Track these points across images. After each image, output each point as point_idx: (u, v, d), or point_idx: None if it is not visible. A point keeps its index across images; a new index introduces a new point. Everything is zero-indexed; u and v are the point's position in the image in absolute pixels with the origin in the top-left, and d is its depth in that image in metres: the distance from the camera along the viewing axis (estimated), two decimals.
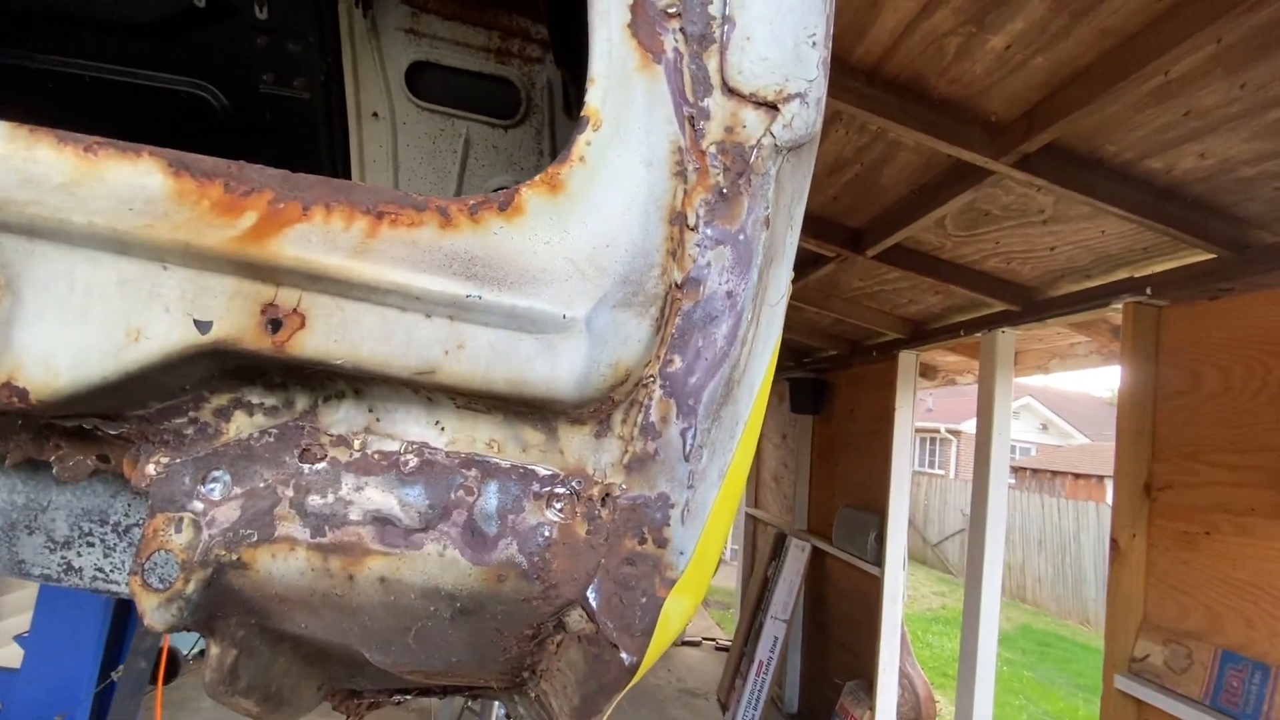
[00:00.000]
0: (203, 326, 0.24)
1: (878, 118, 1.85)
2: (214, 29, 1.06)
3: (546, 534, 0.26)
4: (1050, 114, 1.72)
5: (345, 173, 1.15)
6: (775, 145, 0.29)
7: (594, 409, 0.27)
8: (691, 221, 0.28)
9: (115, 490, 0.32)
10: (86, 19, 1.02)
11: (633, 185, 0.27)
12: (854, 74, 1.83)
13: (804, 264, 3.44)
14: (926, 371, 4.63)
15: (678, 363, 0.27)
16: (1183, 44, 1.36)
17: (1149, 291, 2.33)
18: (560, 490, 0.27)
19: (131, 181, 0.23)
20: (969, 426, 16.67)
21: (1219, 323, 2.15)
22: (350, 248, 0.25)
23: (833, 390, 5.11)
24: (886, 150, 2.22)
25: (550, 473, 0.27)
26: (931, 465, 20.36)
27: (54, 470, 0.27)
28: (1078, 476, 16.20)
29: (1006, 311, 3.06)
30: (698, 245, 0.28)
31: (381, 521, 0.26)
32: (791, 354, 5.65)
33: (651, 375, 0.27)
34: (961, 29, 1.60)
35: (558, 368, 0.25)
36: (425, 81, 1.10)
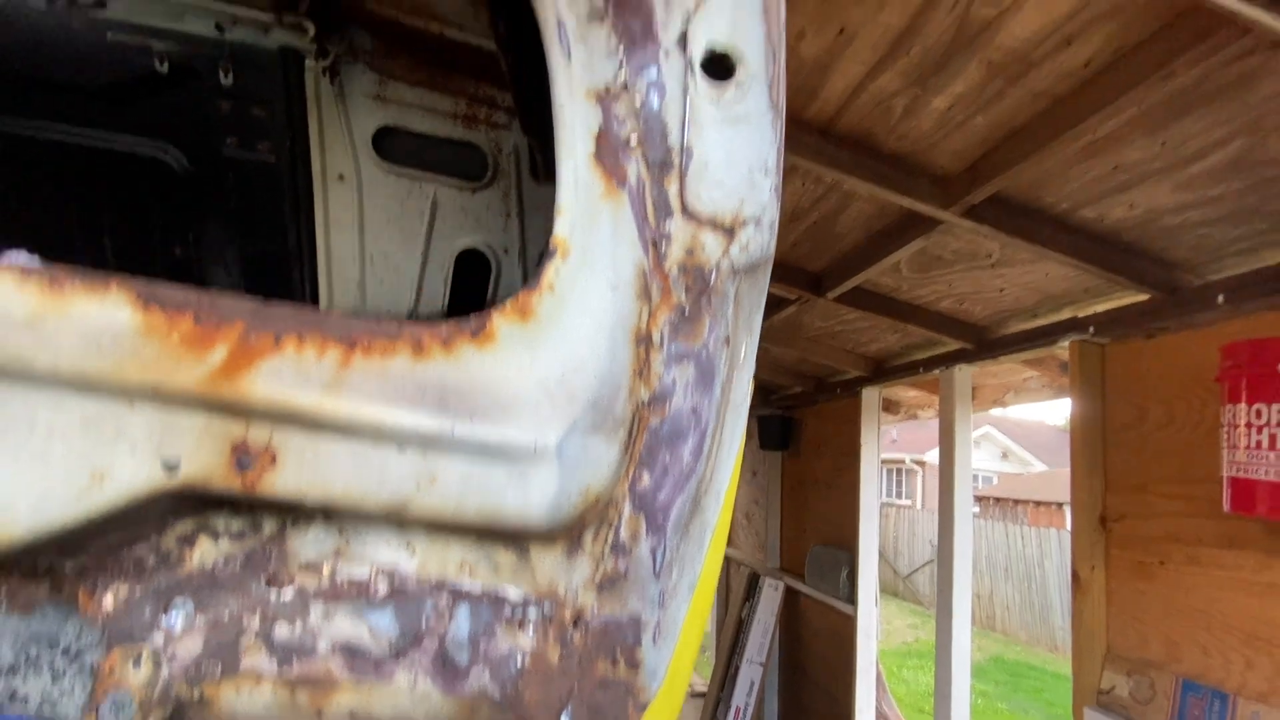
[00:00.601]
0: (170, 467, 0.24)
1: (832, 170, 1.93)
2: (177, 93, 1.06)
3: (519, 661, 0.26)
4: (992, 168, 1.83)
5: (310, 234, 1.14)
6: (732, 267, 0.30)
7: (565, 530, 0.27)
8: (656, 340, 0.29)
9: (67, 613, 0.31)
10: (44, 82, 1.01)
11: (600, 309, 0.28)
12: (808, 130, 1.92)
13: (768, 306, 3.50)
14: (890, 406, 4.73)
15: (646, 479, 0.28)
16: (1107, 107, 1.47)
17: (1092, 330, 2.45)
18: (532, 614, 0.27)
19: (99, 316, 0.23)
20: (933, 457, 16.99)
21: (1157, 360, 2.26)
22: (323, 381, 0.25)
23: (800, 426, 5.17)
24: (842, 200, 2.32)
25: (522, 596, 0.27)
26: (898, 496, 20.62)
27: (1, 606, 0.26)
28: (1039, 504, 16.60)
29: (962, 349, 3.18)
30: (663, 363, 0.29)
31: (351, 651, 0.26)
32: (759, 391, 5.72)
33: (621, 493, 0.28)
34: (906, 91, 1.69)
35: (529, 497, 0.25)
36: (392, 145, 1.12)
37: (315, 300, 1.20)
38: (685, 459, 0.28)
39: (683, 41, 0.30)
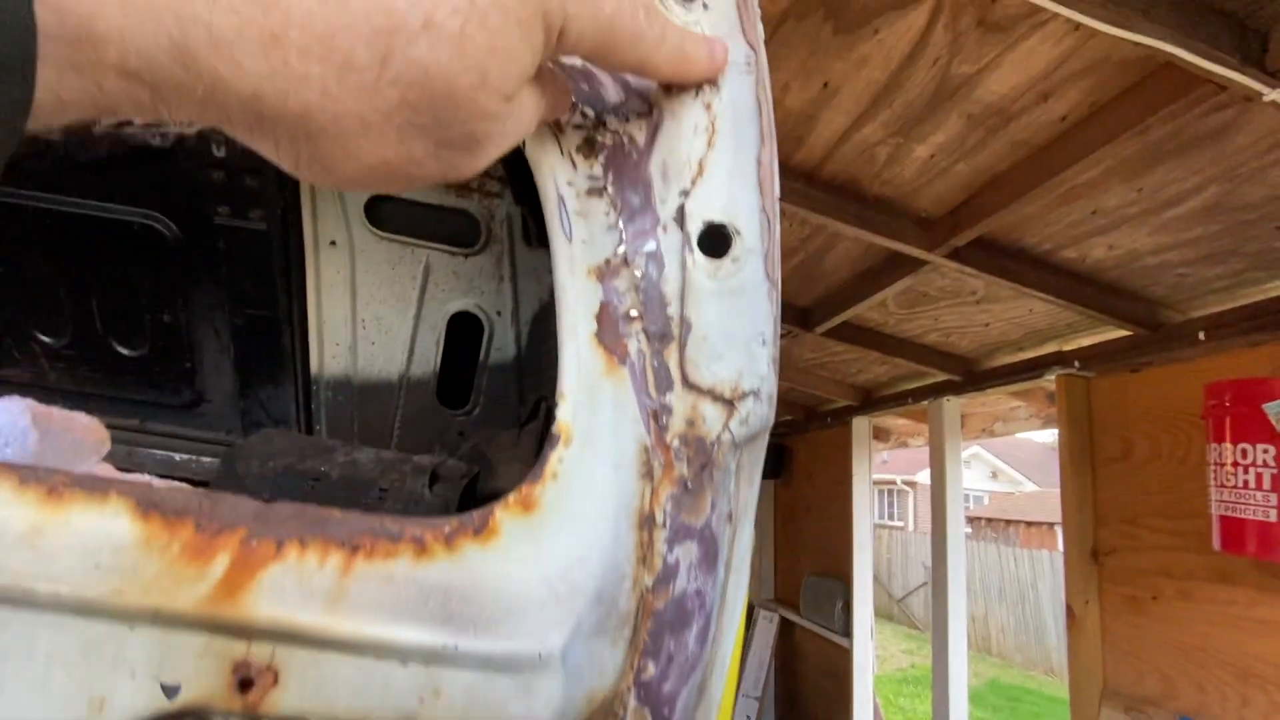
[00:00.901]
0: (170, 691, 0.23)
1: (818, 215, 1.96)
2: (168, 164, 1.06)
3: None
4: (975, 213, 1.86)
5: (301, 299, 1.14)
6: (733, 440, 0.31)
7: None
8: (660, 520, 0.29)
9: None
10: (39, 156, 1.01)
11: (603, 493, 0.28)
12: (795, 176, 1.95)
13: None
14: (880, 434, 4.75)
15: (651, 669, 0.28)
16: (1085, 159, 1.51)
17: (1077, 364, 2.48)
18: None
19: (98, 528, 0.23)
20: (924, 477, 17.02)
21: (1142, 394, 2.29)
22: (326, 592, 0.25)
23: (792, 455, 5.17)
24: (828, 239, 2.35)
25: None
26: (890, 517, 20.60)
27: None
28: (1030, 524, 16.63)
29: (950, 381, 3.20)
30: (666, 542, 0.29)
31: None
32: None
33: (626, 686, 0.27)
34: (889, 140, 1.73)
35: (534, 709, 0.25)
36: (384, 212, 1.12)
37: (306, 364, 1.20)
38: (690, 646, 0.28)
39: (680, 215, 0.31)
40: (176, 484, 0.27)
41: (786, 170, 1.94)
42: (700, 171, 0.32)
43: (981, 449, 20.89)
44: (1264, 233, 1.73)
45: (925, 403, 3.43)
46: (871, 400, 3.99)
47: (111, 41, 0.22)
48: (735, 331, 0.31)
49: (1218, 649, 1.99)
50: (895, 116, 1.63)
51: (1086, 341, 2.51)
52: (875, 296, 2.47)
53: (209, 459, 1.23)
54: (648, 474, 0.29)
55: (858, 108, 1.63)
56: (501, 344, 1.18)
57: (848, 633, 3.96)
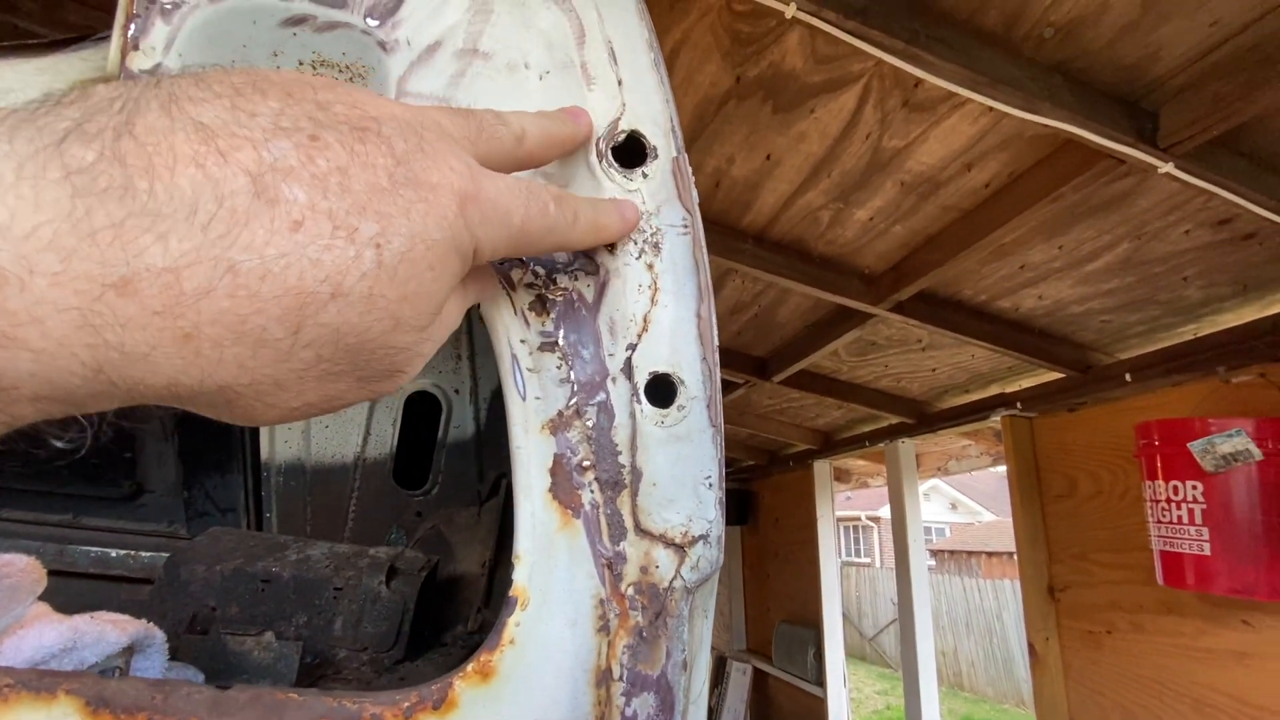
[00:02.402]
0: None
1: (768, 275, 2.04)
2: None
3: None
4: (914, 269, 1.97)
5: None
6: (685, 587, 0.32)
7: None
8: (616, 673, 0.30)
9: None
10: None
11: (560, 653, 0.29)
12: (744, 238, 2.03)
13: None
14: (841, 475, 4.82)
15: None
16: (1009, 222, 1.62)
17: (1019, 405, 2.59)
18: None
19: None
20: (888, 512, 17.19)
21: (1081, 433, 2.41)
22: None
23: (757, 500, 5.19)
24: (780, 294, 2.43)
25: None
26: (857, 554, 20.68)
27: None
28: (990, 554, 16.94)
29: (903, 423, 3.30)
30: (623, 695, 0.30)
31: None
32: None
33: None
34: (831, 205, 1.83)
35: None
36: None
37: (256, 450, 1.17)
38: None
39: (628, 367, 0.33)
40: (131, 680, 0.26)
41: (737, 232, 2.02)
42: (645, 326, 0.34)
43: (940, 482, 21.33)
44: (1173, 283, 1.87)
45: (882, 445, 3.52)
46: (831, 443, 4.06)
47: (23, 384, 0.22)
48: (683, 477, 0.33)
49: (1172, 681, 2.05)
50: (834, 184, 1.73)
51: (1027, 383, 2.63)
52: (827, 346, 2.56)
53: (148, 553, 1.17)
54: (604, 627, 0.30)
55: (799, 176, 1.72)
56: (460, 422, 1.17)
57: (820, 681, 3.92)
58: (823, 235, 1.99)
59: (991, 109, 1.33)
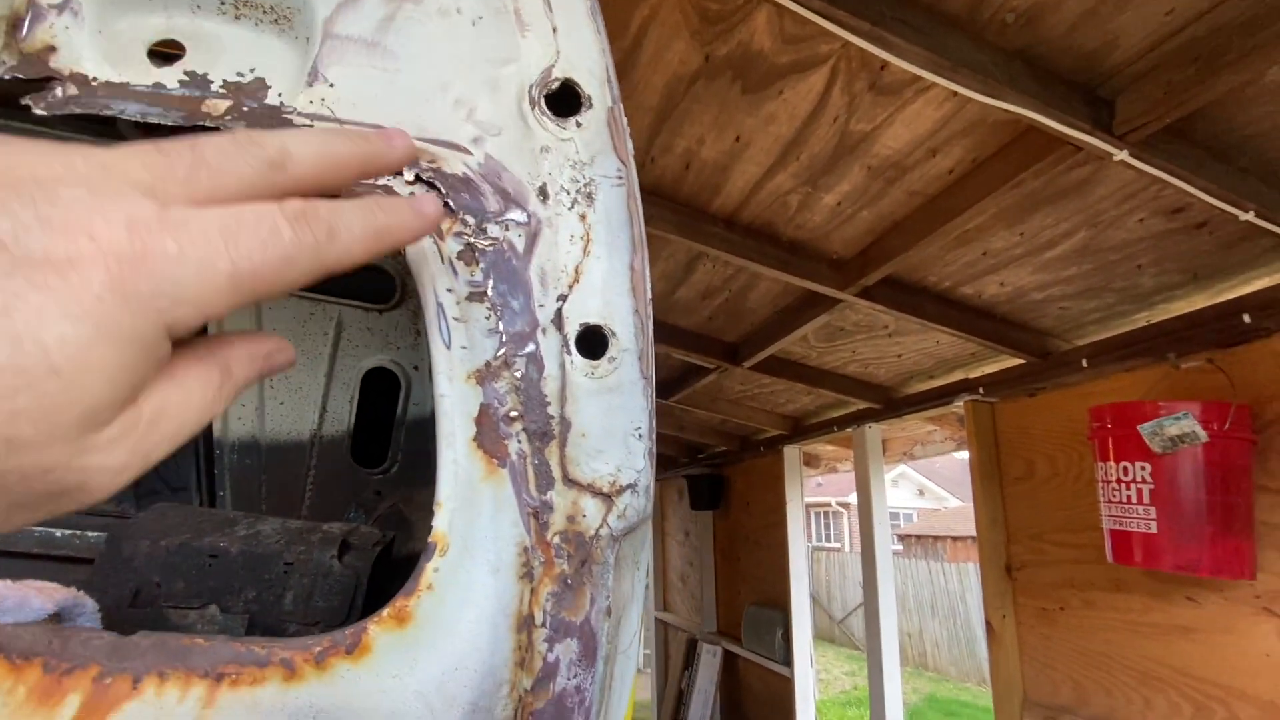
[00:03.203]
0: None
1: (739, 259, 2.04)
2: None
3: None
4: (880, 255, 1.99)
5: None
6: (612, 535, 0.32)
7: None
8: (539, 619, 0.30)
9: None
10: None
11: (480, 598, 0.29)
12: (714, 221, 2.03)
13: (688, 374, 3.60)
14: (810, 461, 4.89)
15: None
16: (971, 208, 1.65)
17: (981, 390, 2.65)
18: None
19: None
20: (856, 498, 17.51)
21: (1039, 417, 2.48)
22: None
23: (728, 484, 5.24)
24: (750, 279, 2.44)
25: None
26: (828, 539, 21.07)
27: None
28: (956, 539, 17.40)
29: (870, 409, 3.36)
30: (545, 641, 0.30)
31: None
32: (686, 450, 5.78)
33: None
34: (799, 189, 1.84)
35: None
36: None
37: (208, 431, 1.15)
38: None
39: (558, 319, 0.33)
40: (26, 625, 0.25)
41: (707, 215, 2.01)
42: (576, 277, 0.34)
43: (908, 468, 21.79)
44: (1128, 271, 1.92)
45: (849, 430, 3.57)
46: (801, 428, 4.12)
47: None
48: (613, 428, 0.32)
49: (1120, 655, 2.14)
50: (803, 167, 1.74)
51: (989, 369, 2.69)
52: (796, 332, 2.58)
53: (94, 533, 1.14)
54: (527, 574, 0.30)
55: (768, 159, 1.73)
56: (420, 399, 1.16)
57: (788, 661, 3.99)
58: (792, 219, 2.00)
59: (956, 94, 1.34)
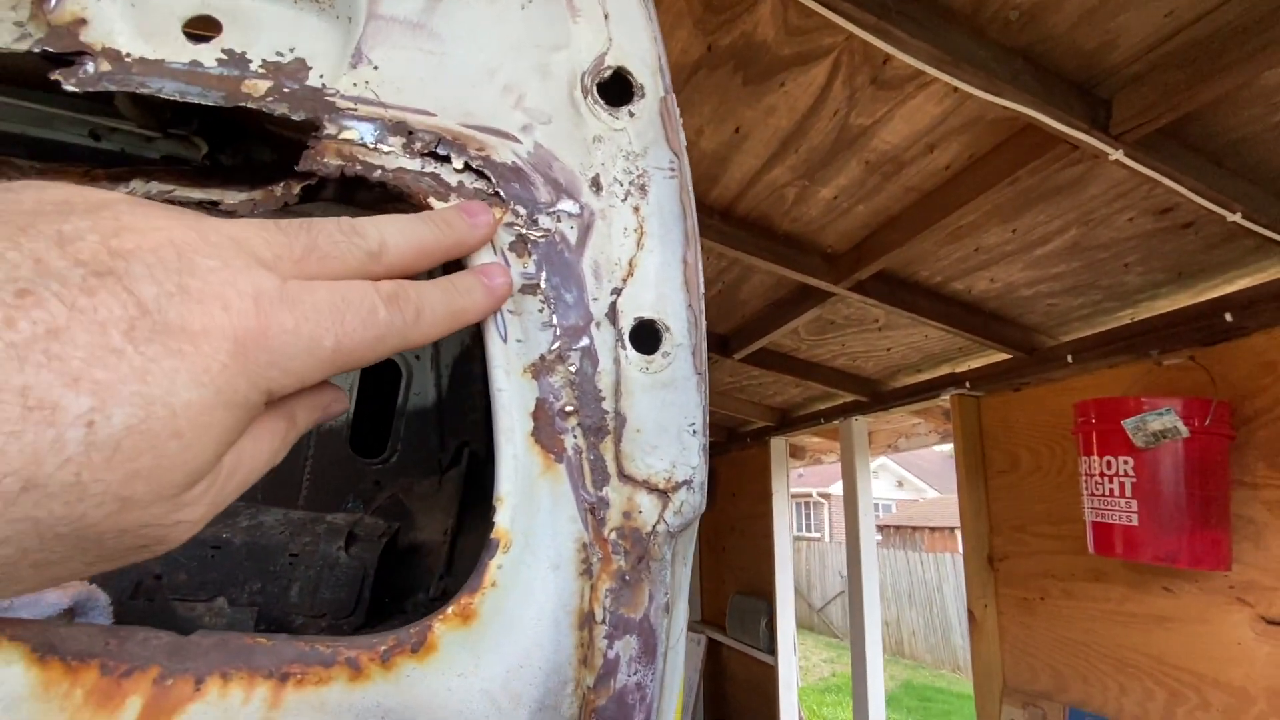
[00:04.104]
0: None
1: (734, 250, 2.04)
2: None
3: None
4: (875, 249, 2.00)
5: None
6: (669, 531, 0.32)
7: None
8: (599, 616, 0.30)
9: None
10: None
11: (542, 595, 0.29)
12: (711, 212, 2.03)
13: None
14: (796, 452, 4.94)
15: None
16: (966, 204, 1.66)
17: (968, 384, 2.69)
18: None
19: None
20: (838, 489, 17.76)
21: (1023, 411, 2.52)
22: None
23: (716, 474, 5.27)
24: (744, 271, 2.45)
25: None
26: (808, 529, 21.33)
27: None
28: (933, 529, 17.72)
29: (857, 401, 3.39)
30: (606, 638, 0.30)
31: None
32: None
33: None
34: (796, 182, 1.84)
35: None
36: None
37: None
38: None
39: (612, 312, 0.32)
40: (79, 624, 0.24)
41: (703, 207, 2.01)
42: (630, 271, 0.33)
43: (888, 460, 22.10)
44: (1115, 269, 1.96)
45: (836, 422, 3.61)
46: (787, 420, 4.15)
47: None
48: (667, 423, 0.32)
49: (1098, 643, 2.20)
50: (801, 161, 1.74)
51: (975, 363, 2.73)
52: (788, 325, 2.59)
53: None
54: (587, 571, 0.30)
55: (767, 151, 1.72)
56: (421, 389, 1.15)
57: (772, 649, 4.04)
58: (788, 213, 2.00)
59: (956, 90, 1.35)
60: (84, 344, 0.22)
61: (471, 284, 0.33)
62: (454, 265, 0.34)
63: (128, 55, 0.31)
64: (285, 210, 0.42)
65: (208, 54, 0.32)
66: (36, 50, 0.31)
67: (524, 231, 0.33)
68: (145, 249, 0.24)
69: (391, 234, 0.31)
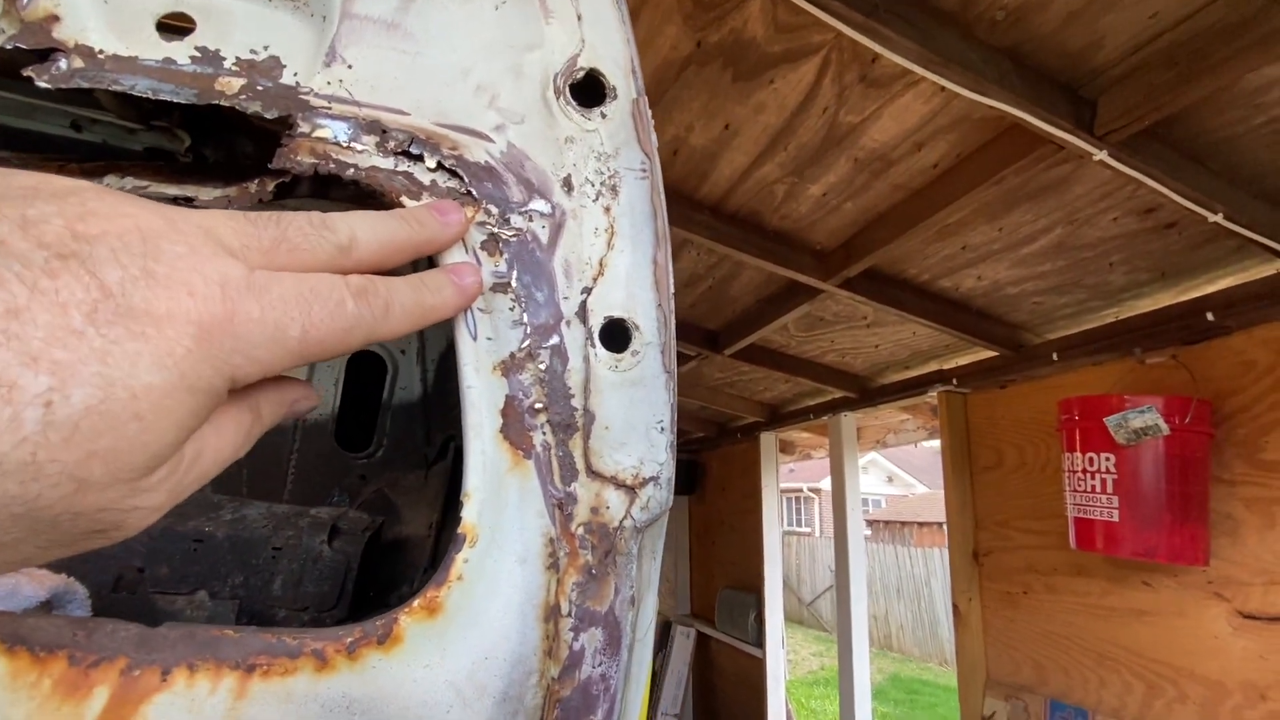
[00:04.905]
0: None
1: (723, 246, 2.05)
2: None
3: None
4: (863, 247, 2.01)
5: None
6: (635, 526, 0.32)
7: None
8: (565, 609, 0.31)
9: None
10: None
11: (508, 588, 0.29)
12: (700, 208, 2.03)
13: None
14: (786, 447, 4.96)
15: None
16: (953, 203, 1.68)
17: (955, 381, 2.72)
18: None
19: None
20: (828, 484, 17.86)
21: (1009, 408, 2.55)
22: (219, 718, 0.24)
23: (705, 470, 5.29)
24: (733, 268, 2.45)
25: None
26: (798, 524, 21.46)
27: None
28: (922, 524, 17.87)
29: (846, 397, 3.41)
30: (571, 630, 0.30)
31: None
32: None
33: None
34: (786, 179, 1.84)
35: None
36: None
37: None
38: None
39: (582, 311, 0.32)
40: (47, 615, 0.25)
41: (693, 203, 2.01)
42: (601, 270, 0.34)
43: (878, 455, 22.23)
44: (1099, 268, 1.98)
45: (825, 418, 3.63)
46: (777, 416, 4.17)
47: None
48: (636, 421, 0.33)
49: (1079, 636, 2.23)
50: (790, 158, 1.74)
51: (962, 361, 2.76)
52: (777, 321, 2.60)
53: None
54: (553, 565, 0.30)
55: (756, 148, 1.73)
56: (406, 383, 1.15)
57: (760, 643, 4.08)
58: (777, 209, 2.01)
59: (943, 89, 1.35)
60: (44, 324, 0.22)
61: (442, 282, 0.33)
62: (426, 265, 0.35)
63: (100, 52, 0.31)
64: (260, 207, 0.42)
65: (181, 51, 0.32)
66: (8, 46, 0.31)
67: (496, 230, 0.34)
68: (111, 234, 0.24)
69: (362, 229, 0.31)
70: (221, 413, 0.28)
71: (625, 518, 0.32)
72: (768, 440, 4.32)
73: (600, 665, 0.30)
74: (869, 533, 19.15)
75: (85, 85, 0.31)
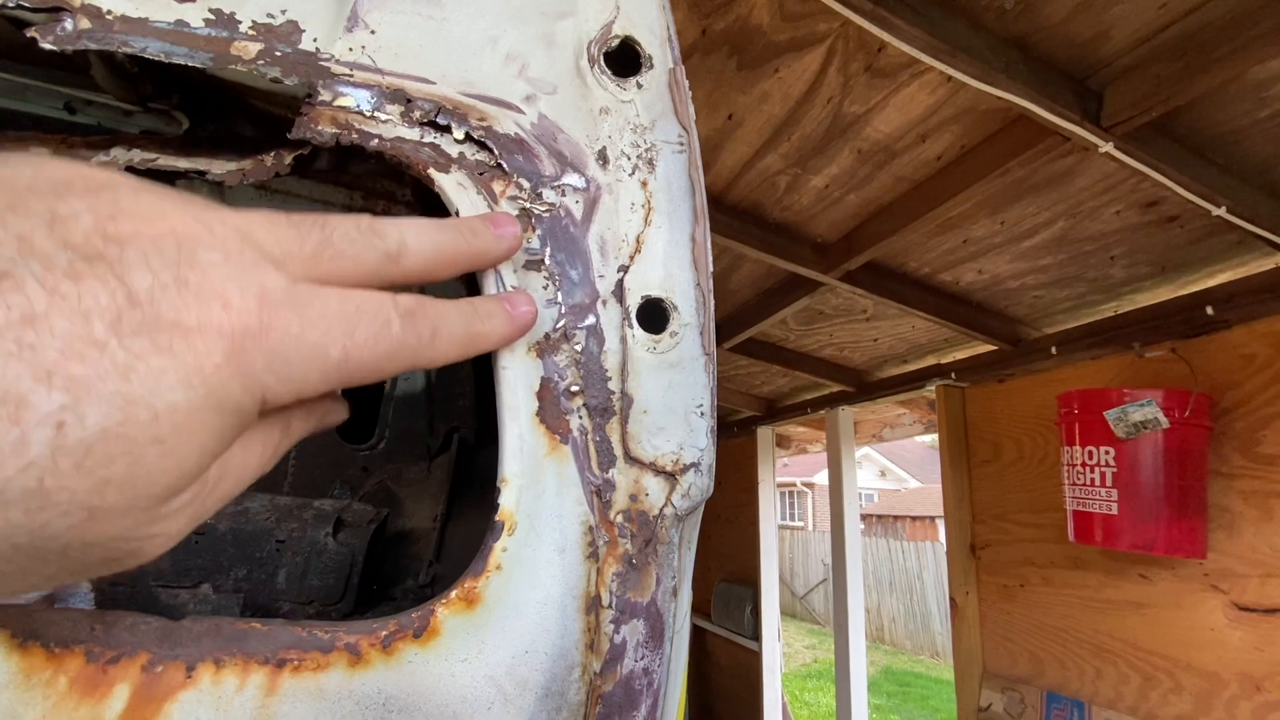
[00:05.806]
0: None
1: (725, 238, 2.03)
2: None
3: None
4: (865, 239, 2.00)
5: None
6: (676, 514, 0.31)
7: None
8: (605, 600, 0.29)
9: None
10: None
11: (548, 579, 0.28)
12: None
13: None
14: (782, 442, 4.97)
15: None
16: (957, 195, 1.67)
17: (953, 375, 2.72)
18: None
19: None
20: (821, 478, 17.95)
21: (1007, 402, 2.55)
22: (248, 716, 0.22)
23: None
24: (734, 260, 2.44)
25: None
26: (792, 518, 21.56)
27: None
28: (915, 519, 17.99)
29: (843, 392, 3.41)
30: (612, 622, 0.29)
31: None
32: None
33: None
34: (788, 170, 1.83)
35: None
36: None
37: None
38: None
39: (619, 290, 0.31)
40: (62, 609, 0.23)
41: None
42: (638, 247, 0.33)
43: (871, 450, 22.35)
44: (1100, 262, 1.98)
45: (822, 412, 3.63)
46: (774, 410, 4.17)
47: None
48: (675, 405, 0.31)
49: (1075, 629, 2.24)
50: (794, 149, 1.73)
51: (961, 355, 2.76)
52: (776, 314, 2.59)
53: None
54: (593, 554, 0.29)
55: (759, 139, 1.71)
56: (410, 374, 1.13)
57: (756, 636, 4.09)
58: (779, 201, 1.99)
59: (950, 79, 1.34)
60: (62, 334, 0.20)
61: (494, 309, 0.31)
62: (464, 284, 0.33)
63: (109, 12, 0.29)
64: (275, 182, 0.40)
65: (194, 13, 0.30)
66: (11, 5, 0.29)
67: (528, 205, 0.32)
68: (143, 236, 0.22)
69: (412, 236, 0.29)
70: (250, 431, 0.26)
71: (665, 505, 0.31)
72: (764, 435, 4.32)
73: (643, 659, 0.29)
74: (862, 526, 19.26)
75: (93, 47, 0.29)
